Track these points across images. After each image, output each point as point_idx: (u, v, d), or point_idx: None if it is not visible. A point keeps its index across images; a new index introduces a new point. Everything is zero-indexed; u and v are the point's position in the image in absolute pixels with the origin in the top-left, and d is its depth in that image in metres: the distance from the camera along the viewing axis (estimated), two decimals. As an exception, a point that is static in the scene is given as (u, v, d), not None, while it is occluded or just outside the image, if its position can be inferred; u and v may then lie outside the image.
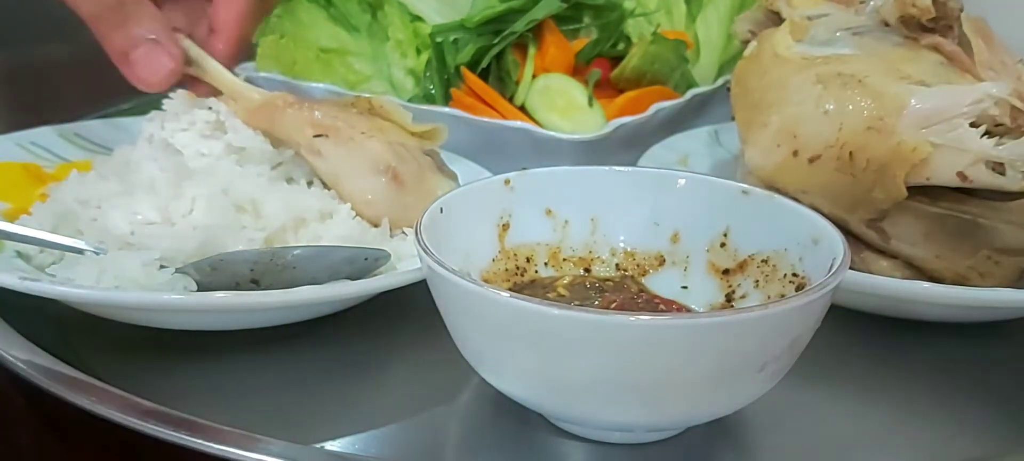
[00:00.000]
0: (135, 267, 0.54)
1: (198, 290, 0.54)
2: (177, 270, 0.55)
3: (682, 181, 0.55)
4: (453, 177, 0.66)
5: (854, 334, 0.58)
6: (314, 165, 0.64)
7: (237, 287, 0.54)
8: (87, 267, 0.55)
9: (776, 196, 0.52)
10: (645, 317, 0.40)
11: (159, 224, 0.57)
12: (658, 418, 0.46)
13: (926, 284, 0.56)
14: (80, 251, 0.56)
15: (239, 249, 0.56)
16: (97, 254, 0.56)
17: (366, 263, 0.57)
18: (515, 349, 0.43)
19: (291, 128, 0.64)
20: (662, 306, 0.51)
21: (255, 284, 0.54)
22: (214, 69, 0.68)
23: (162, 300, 0.51)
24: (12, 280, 0.51)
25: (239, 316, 0.55)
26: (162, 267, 0.55)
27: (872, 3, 0.64)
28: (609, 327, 0.40)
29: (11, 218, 0.60)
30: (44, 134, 0.73)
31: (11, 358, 0.51)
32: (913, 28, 0.61)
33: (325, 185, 0.65)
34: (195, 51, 0.68)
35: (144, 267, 0.54)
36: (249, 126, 0.66)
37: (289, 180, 0.65)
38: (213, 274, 0.54)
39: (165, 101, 0.68)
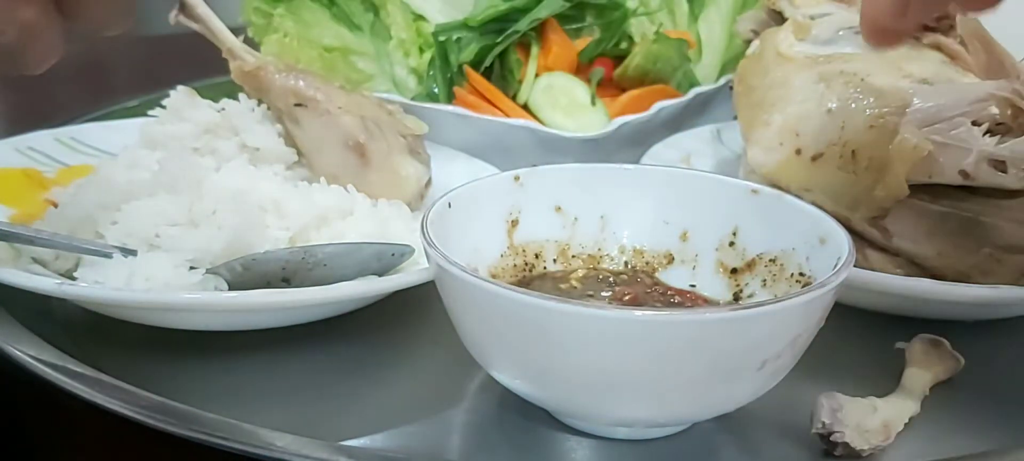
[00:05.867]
0: (166, 269, 0.54)
1: (230, 290, 0.55)
2: (208, 271, 0.55)
3: (692, 180, 0.56)
4: (425, 161, 0.68)
5: (856, 331, 0.59)
6: (293, 133, 0.67)
7: (268, 286, 0.55)
8: (116, 270, 0.55)
9: (785, 195, 0.53)
10: (647, 312, 0.40)
11: (183, 225, 0.57)
12: (659, 413, 0.46)
13: (928, 281, 0.56)
14: (108, 255, 0.56)
15: (266, 249, 0.56)
16: (125, 257, 0.56)
17: (393, 258, 0.58)
18: (518, 344, 0.43)
19: (276, 94, 0.67)
20: (677, 298, 0.51)
21: (286, 283, 0.55)
22: (217, 28, 0.70)
23: (209, 300, 0.52)
24: (50, 286, 0.52)
25: (275, 315, 0.55)
26: (192, 268, 0.55)
27: (874, 2, 0.64)
28: (611, 322, 0.40)
29: (22, 224, 0.60)
30: (41, 138, 0.73)
31: (20, 354, 0.51)
32: (915, 27, 0.62)
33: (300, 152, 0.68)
34: (202, 8, 0.69)
35: (175, 268, 0.55)
36: (240, 84, 0.69)
37: (304, 179, 0.65)
38: (244, 274, 0.55)
39: (165, 100, 0.69)
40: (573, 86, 0.80)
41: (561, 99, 0.80)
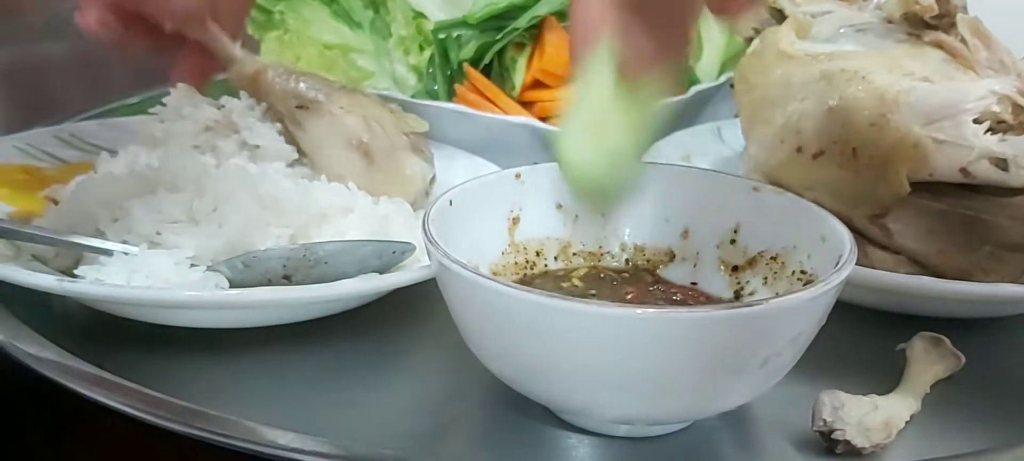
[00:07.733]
0: (167, 266, 0.55)
1: (230, 287, 0.55)
2: (209, 268, 0.55)
3: (693, 177, 0.56)
4: (429, 159, 0.68)
5: (858, 329, 0.59)
6: (295, 135, 0.67)
7: (269, 283, 0.55)
8: (116, 267, 0.55)
9: (786, 193, 0.53)
10: (649, 310, 0.40)
11: (184, 223, 0.57)
12: (660, 411, 0.46)
13: (929, 279, 0.56)
14: (108, 252, 0.56)
15: (267, 246, 0.57)
16: (126, 254, 0.56)
17: (394, 256, 0.58)
18: (519, 342, 0.43)
19: (277, 98, 0.68)
20: (678, 295, 0.51)
21: (287, 280, 0.55)
22: (214, 33, 0.69)
23: (209, 297, 0.52)
24: (50, 283, 0.52)
25: (276, 312, 0.55)
26: (193, 266, 0.55)
27: (875, 0, 0.64)
28: (613, 320, 0.40)
29: (22, 221, 0.60)
30: (40, 136, 0.73)
31: (20, 351, 0.51)
32: (916, 25, 0.62)
33: (301, 152, 0.68)
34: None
35: (176, 266, 0.55)
36: (241, 89, 0.69)
37: (305, 177, 0.65)
38: (245, 271, 0.55)
39: (165, 98, 0.69)
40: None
41: (561, 97, 0.79)
